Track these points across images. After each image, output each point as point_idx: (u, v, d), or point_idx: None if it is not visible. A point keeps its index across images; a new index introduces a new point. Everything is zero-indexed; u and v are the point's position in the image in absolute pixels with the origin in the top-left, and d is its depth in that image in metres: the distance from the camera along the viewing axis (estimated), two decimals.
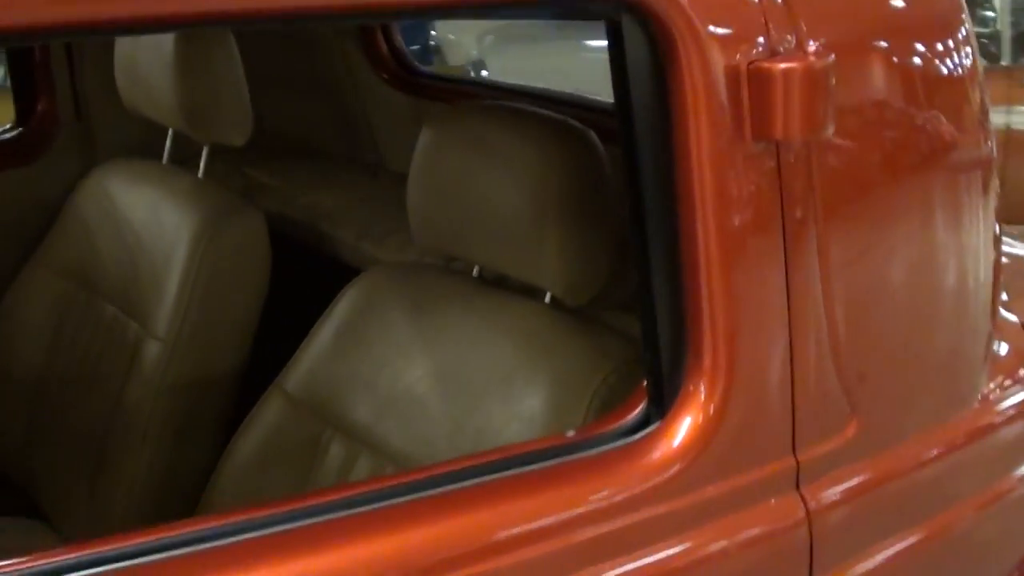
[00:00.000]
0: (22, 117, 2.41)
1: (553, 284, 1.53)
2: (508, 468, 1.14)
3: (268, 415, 1.78)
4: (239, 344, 1.96)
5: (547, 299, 1.59)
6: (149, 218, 2.06)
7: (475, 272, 1.70)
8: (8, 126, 2.43)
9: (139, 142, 2.30)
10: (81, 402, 2.08)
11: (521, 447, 1.21)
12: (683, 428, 1.18)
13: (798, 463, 1.27)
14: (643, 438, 1.18)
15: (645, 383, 1.23)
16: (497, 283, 1.69)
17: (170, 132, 2.16)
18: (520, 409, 1.49)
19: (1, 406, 2.22)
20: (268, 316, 1.98)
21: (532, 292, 1.60)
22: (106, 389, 2.02)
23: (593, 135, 1.50)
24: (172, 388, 1.92)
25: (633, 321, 1.69)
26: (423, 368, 1.63)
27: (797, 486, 1.28)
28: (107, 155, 2.35)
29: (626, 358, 1.49)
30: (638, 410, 1.21)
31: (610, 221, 1.51)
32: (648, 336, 1.22)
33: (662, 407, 1.20)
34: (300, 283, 2.11)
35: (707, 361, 1.17)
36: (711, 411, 1.17)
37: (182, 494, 1.91)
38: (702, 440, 1.18)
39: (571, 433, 1.22)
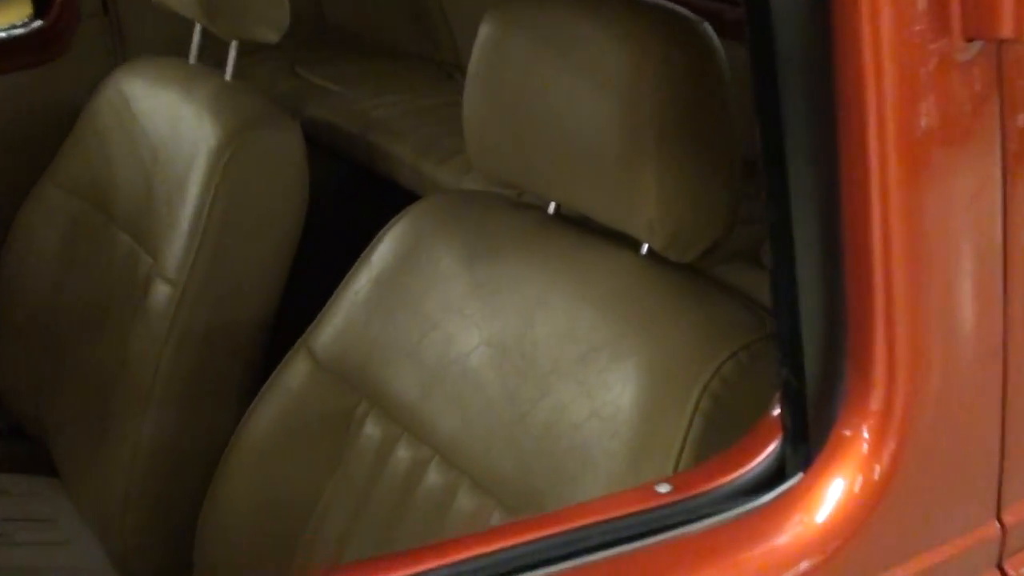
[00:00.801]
0: (41, 9, 2.09)
1: (651, 233, 1.13)
2: (567, 555, 0.76)
3: (292, 380, 1.42)
4: (265, 289, 1.59)
5: (643, 250, 1.20)
6: (166, 129, 1.70)
7: (551, 208, 1.31)
8: (26, 20, 2.12)
9: (173, 39, 1.94)
10: (90, 347, 1.75)
11: (585, 512, 0.82)
12: (838, 487, 0.78)
13: (1004, 530, 0.87)
14: (775, 502, 0.79)
15: (779, 403, 0.84)
16: (581, 223, 1.30)
17: (197, 27, 1.79)
18: (602, 401, 1.11)
19: (11, 343, 1.91)
20: (304, 255, 1.61)
21: (626, 239, 1.21)
22: (115, 335, 1.68)
23: (708, 28, 1.10)
24: (181, 340, 1.56)
25: (759, 279, 1.29)
26: (481, 334, 1.26)
27: (1000, 562, 0.87)
28: (136, 54, 2.02)
29: (750, 338, 1.10)
30: (768, 453, 0.81)
31: (730, 148, 1.11)
32: (785, 337, 0.83)
33: (805, 451, 0.80)
34: (346, 213, 1.74)
35: (877, 375, 0.77)
36: (883, 458, 0.77)
37: (193, 462, 1.57)
38: (867, 506, 0.78)
39: (664, 489, 0.83)
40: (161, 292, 1.59)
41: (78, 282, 1.82)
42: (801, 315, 0.81)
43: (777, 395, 0.85)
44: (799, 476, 0.79)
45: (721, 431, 1.05)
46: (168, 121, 1.70)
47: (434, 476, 1.27)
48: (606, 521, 0.78)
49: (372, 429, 1.35)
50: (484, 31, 1.23)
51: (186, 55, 1.81)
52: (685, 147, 1.09)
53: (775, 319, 0.85)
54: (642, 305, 1.14)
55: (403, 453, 1.31)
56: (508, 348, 1.22)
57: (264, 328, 1.59)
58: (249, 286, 1.59)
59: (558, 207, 1.31)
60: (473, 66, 1.26)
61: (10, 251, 1.93)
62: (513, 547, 0.76)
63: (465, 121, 1.30)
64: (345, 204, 1.80)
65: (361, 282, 1.39)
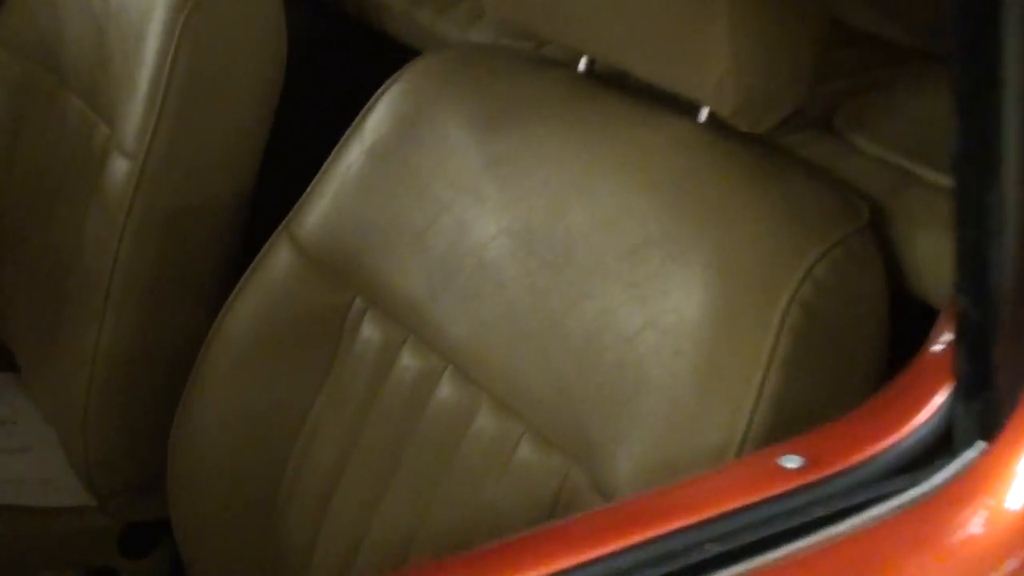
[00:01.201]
0: None
1: (718, 95, 0.90)
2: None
3: (273, 273, 1.20)
4: (240, 164, 1.35)
5: (702, 117, 0.97)
6: None
7: (581, 65, 1.08)
8: None
9: None
10: (43, 230, 1.52)
11: (693, 498, 0.60)
12: None
13: None
14: (950, 484, 0.57)
15: (945, 337, 0.61)
16: (617, 83, 1.07)
17: None
18: (659, 309, 0.89)
19: None
20: (284, 123, 1.38)
21: (675, 102, 0.98)
22: (68, 219, 1.45)
23: None
24: (142, 225, 1.33)
25: (835, 151, 1.06)
26: (500, 221, 1.03)
27: None
28: None
29: (847, 230, 0.88)
30: (931, 413, 0.59)
31: None
32: (967, 241, 0.60)
33: (988, 411, 0.58)
34: (332, 73, 1.50)
35: None
36: None
37: (161, 367, 1.35)
38: None
39: (792, 463, 0.60)
40: (118, 168, 1.36)
41: (28, 155, 1.58)
42: (993, 209, 0.58)
43: (942, 323, 0.63)
44: (980, 446, 0.57)
45: (815, 352, 0.84)
46: None
47: (447, 390, 1.06)
48: (725, 516, 0.57)
49: (370, 331, 1.13)
50: None
51: None
52: None
53: (954, 210, 0.62)
54: (706, 187, 0.92)
55: (408, 361, 1.10)
56: (535, 238, 1.00)
57: (239, 210, 1.36)
58: (220, 160, 1.35)
59: (591, 63, 1.07)
60: None
61: None
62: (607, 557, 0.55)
63: None
64: (331, 63, 1.56)
65: (352, 155, 1.15)
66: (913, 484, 0.58)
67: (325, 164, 1.18)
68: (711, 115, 0.96)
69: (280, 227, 1.20)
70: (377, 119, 1.15)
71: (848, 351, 0.87)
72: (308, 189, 1.18)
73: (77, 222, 1.42)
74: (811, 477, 0.59)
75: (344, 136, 1.17)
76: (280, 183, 1.27)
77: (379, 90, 1.17)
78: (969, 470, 0.58)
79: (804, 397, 0.85)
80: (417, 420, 1.07)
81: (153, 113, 1.32)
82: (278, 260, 1.19)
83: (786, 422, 0.83)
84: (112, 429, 1.39)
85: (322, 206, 1.16)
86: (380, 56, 1.38)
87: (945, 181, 1.02)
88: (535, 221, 1.01)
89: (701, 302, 0.87)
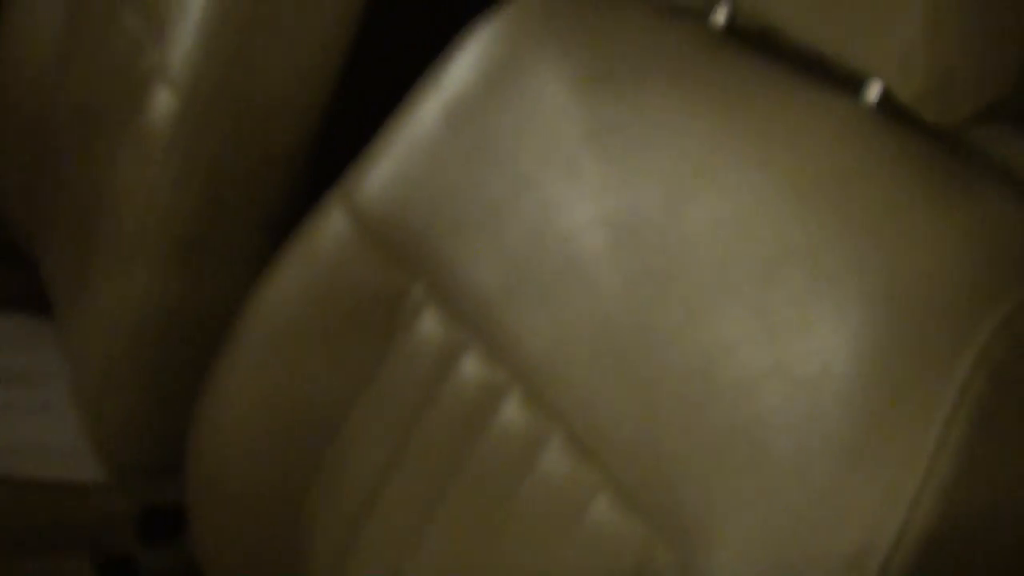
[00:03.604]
0: None
1: (902, 70, 0.67)
2: None
3: (323, 242, 1.00)
4: (300, 110, 1.15)
5: (872, 96, 0.74)
6: None
7: (720, 17, 0.86)
8: None
9: None
10: (82, 161, 1.34)
11: None
12: None
13: None
14: None
15: None
16: (762, 42, 0.85)
17: None
18: (796, 351, 0.67)
19: (7, 151, 1.52)
20: (358, 67, 1.17)
21: (838, 74, 0.76)
22: (108, 150, 1.27)
23: None
24: (183, 172, 1.14)
25: None
26: (599, 205, 0.82)
27: None
28: None
29: None
30: None
31: None
32: None
33: None
34: (418, 9, 1.30)
35: None
36: None
37: (192, 336, 1.17)
38: None
39: None
40: (162, 101, 1.16)
41: (78, 76, 1.40)
42: None
43: None
44: None
45: (1005, 435, 0.62)
46: None
47: (512, 413, 0.85)
48: None
49: (429, 327, 0.93)
50: None
51: None
52: None
53: None
54: (873, 191, 0.69)
55: (470, 371, 0.89)
56: (640, 234, 0.78)
57: (297, 163, 1.16)
58: (279, 102, 1.15)
59: (732, 15, 0.85)
60: None
61: (7, 33, 1.52)
62: None
63: None
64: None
65: (426, 110, 0.94)
66: None
67: (393, 117, 0.97)
68: (885, 95, 0.73)
69: (335, 190, 1.00)
70: (459, 68, 0.94)
71: None
72: (371, 147, 0.98)
73: (114, 158, 1.23)
74: None
75: (417, 85, 0.96)
76: (347, 136, 1.07)
77: (466, 31, 0.96)
78: None
79: (983, 497, 0.62)
80: (474, 445, 0.87)
81: (204, 39, 1.12)
82: (329, 228, 0.99)
83: (954, 530, 0.61)
84: (133, 396, 1.21)
85: (385, 168, 0.96)
86: None
87: None
88: (643, 212, 0.79)
89: (855, 348, 0.65)
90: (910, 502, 0.62)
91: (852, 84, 0.77)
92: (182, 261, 1.16)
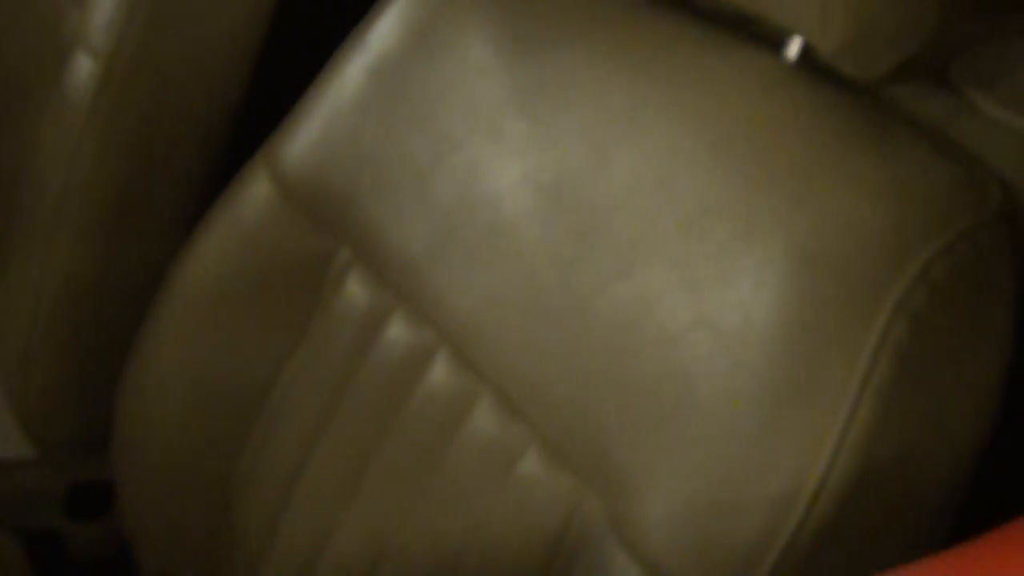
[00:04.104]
0: None
1: (821, 24, 0.68)
2: None
3: (246, 208, 0.99)
4: (224, 75, 1.13)
5: (792, 52, 0.75)
6: None
7: None
8: None
9: None
10: (3, 130, 1.31)
11: None
12: None
13: None
14: None
15: None
16: (683, 1, 0.85)
17: None
18: (718, 304, 0.67)
19: None
20: (283, 28, 1.16)
21: (757, 30, 0.76)
22: (28, 119, 1.25)
23: None
24: (104, 140, 1.12)
25: (953, 110, 0.84)
26: (524, 164, 0.82)
27: None
28: None
29: (974, 218, 0.66)
30: None
31: None
32: None
33: None
34: None
35: None
36: None
37: (115, 307, 1.15)
38: None
39: None
40: (82, 67, 1.14)
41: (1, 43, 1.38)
42: None
43: None
44: None
45: (922, 379, 0.63)
46: None
47: (441, 374, 0.85)
48: None
49: (355, 290, 0.92)
50: None
51: None
52: None
53: None
54: (794, 146, 0.70)
55: (397, 333, 0.88)
56: (565, 193, 0.78)
57: (220, 130, 1.15)
58: (203, 67, 1.13)
59: None
60: None
61: None
62: None
63: None
64: None
65: (349, 72, 0.94)
66: None
67: (317, 80, 0.96)
68: (805, 51, 0.74)
69: (258, 154, 0.99)
70: (382, 31, 0.93)
71: (965, 379, 0.66)
72: (295, 108, 0.97)
73: (36, 126, 1.21)
74: None
75: (340, 47, 0.96)
76: (271, 100, 1.06)
77: None
78: None
79: (903, 438, 0.63)
80: (402, 406, 0.86)
81: (125, 4, 1.10)
82: (253, 193, 0.98)
83: (876, 472, 0.62)
84: (57, 370, 1.19)
85: (309, 132, 0.95)
86: None
87: None
88: (567, 171, 0.79)
89: (776, 299, 0.65)
90: (834, 445, 0.62)
91: (773, 41, 0.77)
92: (105, 229, 1.14)
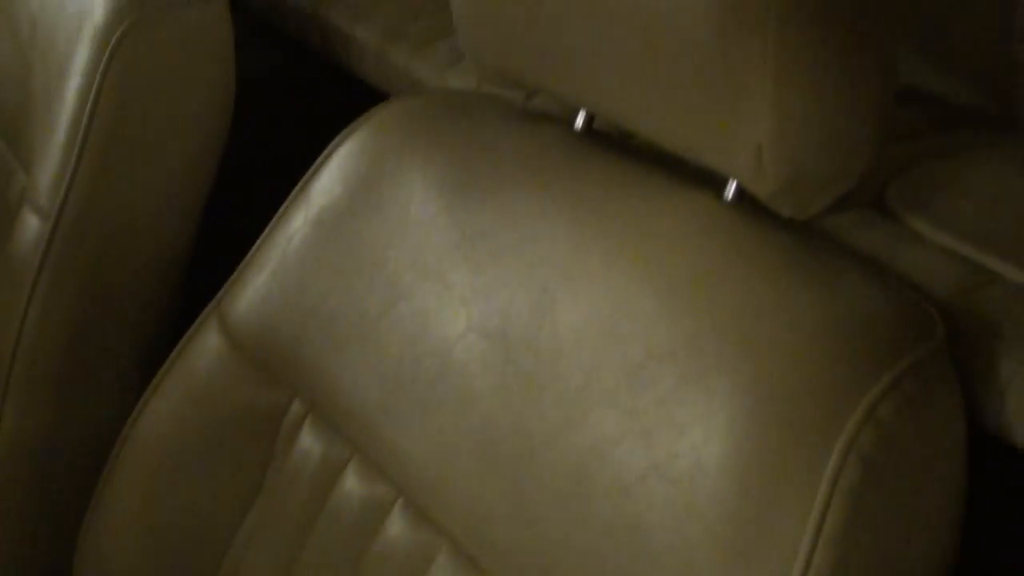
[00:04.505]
0: None
1: (755, 171, 0.69)
2: None
3: (198, 361, 0.99)
4: (171, 228, 1.14)
5: (729, 193, 0.76)
6: None
7: (578, 121, 0.87)
8: None
9: None
10: None
11: None
12: None
13: None
14: None
15: None
16: (621, 144, 0.86)
17: None
18: (669, 451, 0.67)
19: None
20: (227, 180, 1.17)
21: (695, 171, 0.78)
22: None
23: None
24: (51, 296, 1.12)
25: (892, 238, 0.86)
26: (470, 314, 0.82)
27: None
28: None
29: (920, 350, 0.67)
30: None
31: (888, 39, 0.67)
32: None
33: None
34: (289, 120, 1.30)
35: None
36: None
37: (68, 467, 1.14)
38: None
39: None
40: (29, 226, 1.15)
41: None
42: None
43: None
44: None
45: (876, 521, 0.63)
46: None
47: (398, 528, 0.84)
48: None
49: (309, 442, 0.92)
50: None
51: None
52: (823, 31, 0.64)
53: None
54: (735, 286, 0.70)
55: (353, 485, 0.88)
56: (513, 340, 0.79)
57: (167, 282, 1.15)
58: (149, 223, 1.13)
59: (590, 119, 0.87)
60: None
61: None
62: None
63: None
64: (289, 107, 1.35)
65: (295, 224, 0.94)
66: None
67: (264, 234, 0.97)
68: (741, 191, 0.75)
69: (209, 307, 0.99)
70: (327, 180, 0.94)
71: (919, 515, 0.66)
72: (243, 263, 0.97)
73: None
74: None
75: (288, 200, 0.96)
76: (222, 253, 1.06)
77: (332, 144, 0.96)
78: None
79: None
80: (360, 562, 0.86)
81: (70, 163, 1.11)
82: (205, 347, 0.98)
83: None
84: (14, 533, 1.18)
85: (257, 285, 0.95)
86: (348, 100, 1.17)
87: None
88: (514, 318, 0.79)
89: (727, 446, 0.66)
90: None
91: (715, 182, 0.78)
92: (56, 388, 1.14)
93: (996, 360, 0.75)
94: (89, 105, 1.10)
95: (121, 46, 1.11)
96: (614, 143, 0.86)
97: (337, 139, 0.97)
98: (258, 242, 0.97)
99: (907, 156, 0.97)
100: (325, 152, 0.96)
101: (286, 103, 1.35)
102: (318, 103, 1.31)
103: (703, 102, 0.69)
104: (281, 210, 0.96)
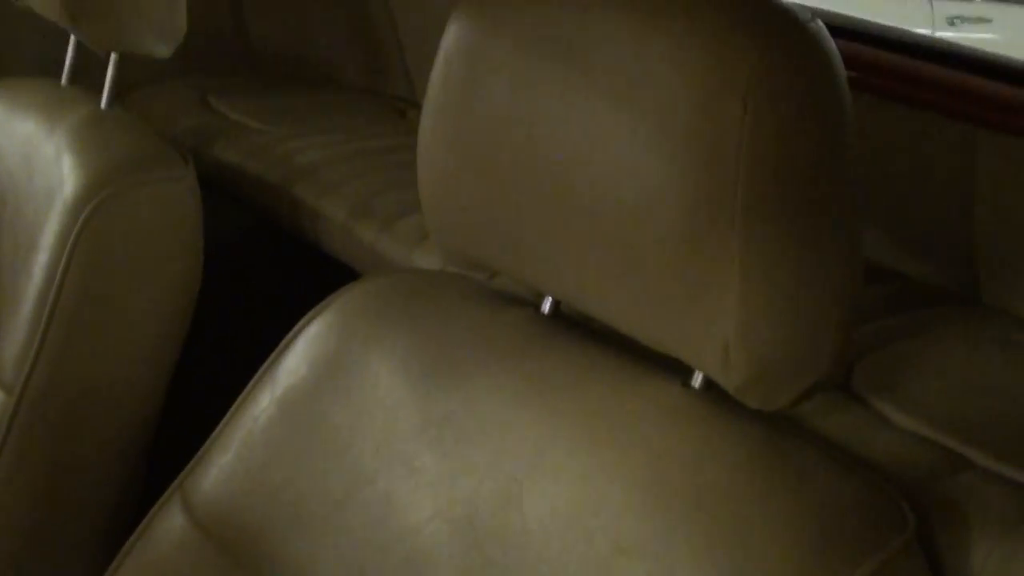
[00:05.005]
0: None
1: (722, 365, 0.69)
2: None
3: (161, 543, 0.97)
4: (137, 403, 1.14)
5: (696, 381, 0.76)
6: (20, 170, 1.25)
7: (545, 306, 0.88)
8: None
9: (53, 59, 1.51)
10: None
11: None
12: None
13: None
14: None
15: None
16: (588, 328, 0.87)
17: (72, 38, 1.36)
18: None
19: None
20: (194, 355, 1.17)
21: (667, 361, 0.78)
22: None
23: (823, 30, 0.67)
24: (14, 472, 1.11)
25: (859, 424, 0.86)
26: (437, 500, 0.81)
27: None
28: (6, 74, 1.58)
29: (891, 547, 0.66)
30: None
31: (853, 232, 0.68)
32: None
33: None
34: (257, 295, 1.30)
35: None
36: None
37: None
38: None
39: None
40: None
41: None
42: None
43: None
44: None
45: None
46: (22, 159, 1.25)
47: None
48: None
49: None
50: (453, 31, 0.80)
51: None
52: (790, 224, 0.65)
53: None
54: (705, 477, 0.70)
55: None
56: (480, 528, 0.78)
57: (131, 455, 1.14)
58: (113, 400, 1.13)
59: (557, 304, 0.87)
60: (435, 86, 0.82)
61: None
62: None
63: (420, 168, 0.86)
64: (257, 284, 1.36)
65: (260, 405, 0.94)
66: None
67: (228, 413, 0.96)
68: (708, 380, 0.75)
69: (172, 487, 0.98)
70: (293, 361, 0.94)
71: None
72: (206, 443, 0.96)
73: None
74: None
75: (254, 378, 0.96)
76: (187, 431, 1.05)
77: (299, 324, 0.96)
78: None
79: None
80: None
81: (35, 338, 1.11)
82: (167, 529, 0.96)
83: None
84: None
85: (221, 466, 0.94)
86: (316, 277, 1.18)
87: (1002, 466, 0.81)
88: (481, 506, 0.79)
89: None
90: None
91: (681, 369, 0.78)
92: (18, 566, 1.11)
93: (968, 551, 0.74)
94: (57, 279, 1.11)
95: (91, 221, 1.11)
96: (581, 326, 0.86)
97: (304, 319, 0.96)
98: (224, 420, 0.96)
99: (872, 337, 0.98)
100: (292, 332, 0.96)
101: (254, 277, 1.35)
102: (286, 278, 1.32)
103: (670, 297, 0.69)
104: (248, 388, 0.96)
